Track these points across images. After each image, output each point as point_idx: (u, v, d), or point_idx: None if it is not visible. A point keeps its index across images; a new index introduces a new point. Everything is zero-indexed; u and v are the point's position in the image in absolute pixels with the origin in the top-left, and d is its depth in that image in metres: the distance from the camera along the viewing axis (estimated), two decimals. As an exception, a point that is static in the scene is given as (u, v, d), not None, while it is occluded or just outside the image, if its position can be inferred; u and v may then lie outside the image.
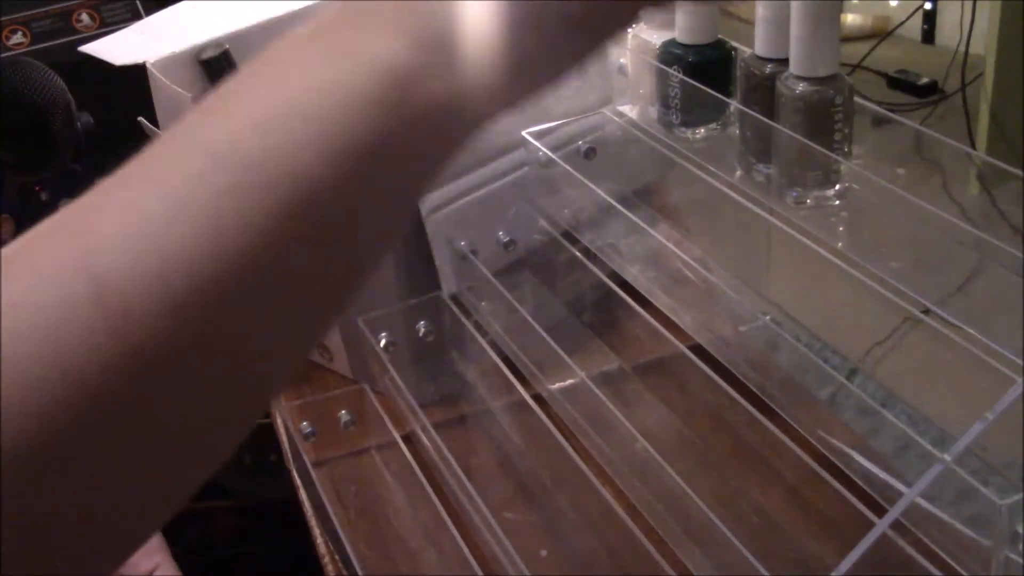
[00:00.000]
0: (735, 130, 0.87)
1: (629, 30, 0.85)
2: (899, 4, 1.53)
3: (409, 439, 0.82)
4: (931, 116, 1.49)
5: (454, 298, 0.87)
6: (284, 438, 0.86)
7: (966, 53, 1.47)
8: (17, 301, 0.26)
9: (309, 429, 0.86)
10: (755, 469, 0.74)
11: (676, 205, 0.92)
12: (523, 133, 0.86)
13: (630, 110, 0.91)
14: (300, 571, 0.91)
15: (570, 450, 0.70)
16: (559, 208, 0.88)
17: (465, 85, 0.30)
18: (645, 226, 0.80)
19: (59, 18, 2.04)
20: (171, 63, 1.01)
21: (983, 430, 0.50)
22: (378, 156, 0.29)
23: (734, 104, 0.86)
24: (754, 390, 0.71)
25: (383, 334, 0.86)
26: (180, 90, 0.95)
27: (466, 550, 0.68)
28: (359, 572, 0.73)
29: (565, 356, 0.74)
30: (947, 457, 0.51)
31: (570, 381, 0.76)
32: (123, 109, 0.99)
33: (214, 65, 1.04)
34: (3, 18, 1.99)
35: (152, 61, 0.98)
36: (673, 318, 0.79)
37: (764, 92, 0.81)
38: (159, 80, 0.96)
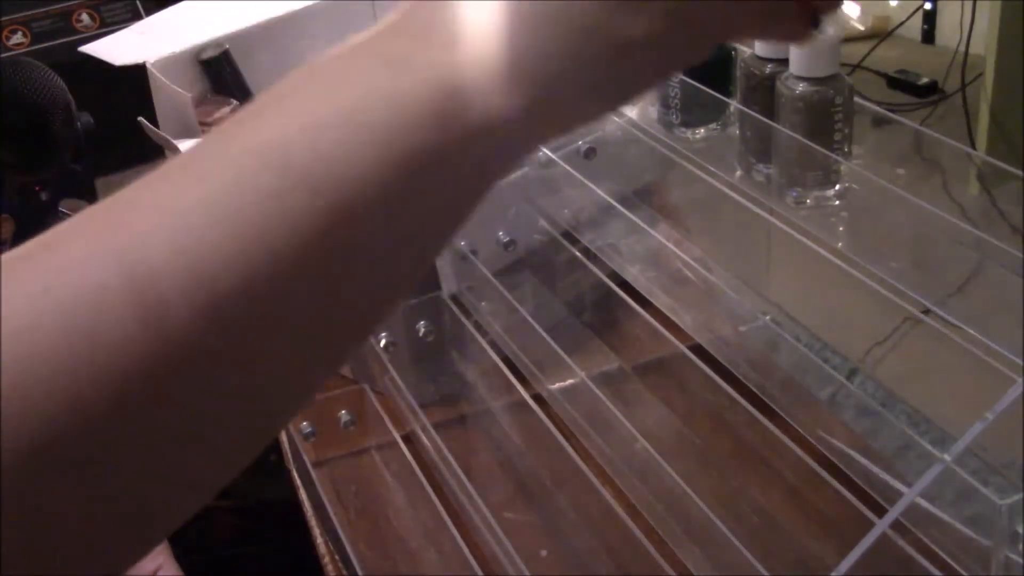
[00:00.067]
0: (735, 130, 0.87)
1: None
2: (899, 4, 1.53)
3: (409, 439, 0.82)
4: (931, 116, 1.49)
5: (454, 298, 0.87)
6: (284, 438, 0.86)
7: (966, 53, 1.47)
8: (51, 286, 0.26)
9: (309, 429, 0.86)
10: (755, 469, 0.74)
11: (676, 205, 0.92)
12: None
13: (630, 110, 0.91)
14: (300, 571, 0.91)
15: (570, 450, 0.70)
16: (559, 208, 0.88)
17: (522, 105, 0.29)
18: (645, 226, 0.80)
19: (59, 18, 2.04)
20: (171, 63, 1.01)
21: (983, 430, 0.50)
22: (428, 170, 0.28)
23: (734, 104, 0.86)
24: (754, 390, 0.71)
25: (383, 334, 0.86)
26: (180, 90, 0.95)
27: (466, 550, 0.68)
28: (359, 572, 0.73)
29: (565, 356, 0.74)
30: (947, 457, 0.51)
31: (570, 381, 0.76)
32: (123, 109, 0.99)
33: (214, 65, 1.04)
34: (3, 18, 1.99)
35: (152, 61, 0.98)
36: (673, 318, 0.79)
37: (764, 92, 0.81)
38: (159, 80, 0.96)
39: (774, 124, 0.79)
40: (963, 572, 0.55)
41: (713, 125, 0.90)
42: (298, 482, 0.84)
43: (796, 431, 0.68)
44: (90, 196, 1.11)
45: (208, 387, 0.27)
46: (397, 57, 0.29)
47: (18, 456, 0.25)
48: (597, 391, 0.70)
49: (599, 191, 0.82)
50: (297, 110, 0.29)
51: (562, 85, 0.30)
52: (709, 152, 0.85)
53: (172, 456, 0.27)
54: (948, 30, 1.63)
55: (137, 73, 0.98)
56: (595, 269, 0.83)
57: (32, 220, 1.04)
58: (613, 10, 0.30)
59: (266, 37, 1.08)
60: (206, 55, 1.04)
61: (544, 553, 0.74)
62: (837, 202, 0.79)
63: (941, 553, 0.56)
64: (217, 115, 1.02)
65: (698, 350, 0.75)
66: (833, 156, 0.77)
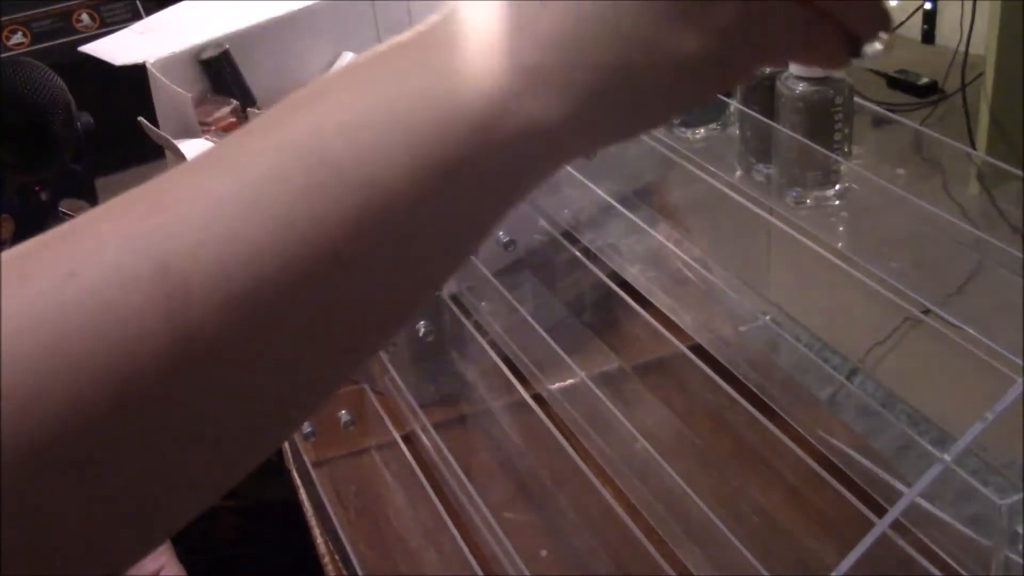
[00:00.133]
0: (735, 130, 0.87)
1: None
2: (899, 4, 1.53)
3: (409, 439, 0.82)
4: (931, 116, 1.49)
5: (454, 298, 0.87)
6: (284, 438, 0.86)
7: (966, 53, 1.47)
8: (77, 270, 0.25)
9: (309, 429, 0.86)
10: (755, 469, 0.74)
11: (676, 205, 0.92)
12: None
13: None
14: (300, 571, 0.91)
15: (570, 450, 0.70)
16: (559, 208, 0.88)
17: (562, 115, 0.29)
18: (645, 226, 0.80)
19: (59, 18, 2.04)
20: (171, 63, 1.01)
21: (983, 430, 0.50)
22: (462, 175, 0.28)
23: (734, 104, 0.86)
24: (754, 390, 0.71)
25: (383, 334, 0.86)
26: (180, 90, 0.95)
27: (466, 550, 0.68)
28: (359, 572, 0.73)
29: (565, 356, 0.74)
30: (947, 457, 0.51)
31: (570, 381, 0.76)
32: (123, 109, 0.99)
33: (214, 65, 1.04)
34: (3, 18, 1.99)
35: (152, 61, 0.98)
36: (673, 318, 0.79)
37: (764, 92, 0.81)
38: (159, 80, 0.96)
39: (774, 124, 0.79)
40: (963, 572, 0.55)
41: (713, 125, 0.90)
42: (298, 482, 0.84)
43: (796, 431, 0.68)
44: (90, 196, 1.10)
45: (224, 383, 0.27)
46: (438, 60, 0.29)
47: (19, 453, 0.24)
48: (597, 391, 0.70)
49: (599, 191, 0.82)
50: (334, 108, 0.28)
51: (606, 98, 0.30)
52: (709, 152, 0.85)
53: (177, 454, 0.27)
54: (948, 30, 1.63)
55: (137, 73, 0.98)
56: (595, 269, 0.83)
57: (32, 220, 1.04)
58: (665, 25, 0.30)
59: (266, 37, 1.08)
60: (206, 55, 1.04)
61: (544, 553, 0.74)
62: (837, 202, 0.79)
63: (941, 553, 0.56)
64: (217, 115, 1.02)
65: (698, 350, 0.75)
66: (833, 156, 0.77)
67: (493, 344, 0.83)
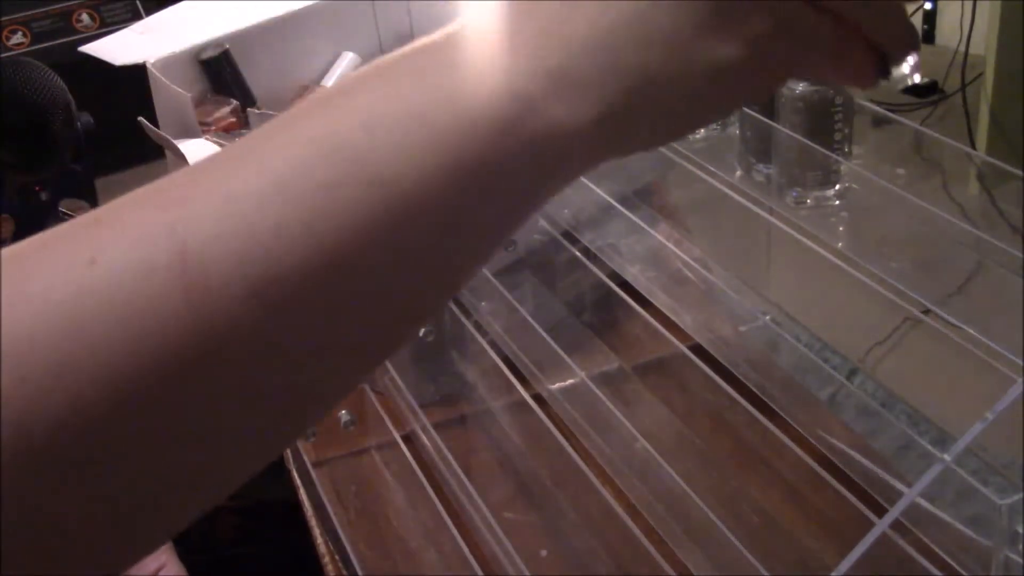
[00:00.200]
0: (735, 130, 0.87)
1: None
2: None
3: (409, 439, 0.82)
4: (931, 116, 1.49)
5: (454, 298, 0.87)
6: (284, 438, 0.86)
7: (966, 53, 1.47)
8: (96, 258, 0.26)
9: (309, 429, 0.86)
10: (755, 469, 0.74)
11: (676, 205, 0.92)
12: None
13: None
14: (300, 571, 0.91)
15: (570, 450, 0.70)
16: (559, 208, 0.88)
17: (588, 119, 0.29)
18: (645, 226, 0.80)
19: (59, 18, 2.05)
20: (171, 63, 1.01)
21: (983, 430, 0.50)
22: (486, 174, 0.28)
23: (734, 104, 0.86)
24: (754, 390, 0.71)
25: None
26: (180, 90, 0.95)
27: (466, 550, 0.68)
28: (359, 572, 0.73)
29: (565, 356, 0.74)
30: (947, 457, 0.51)
31: (570, 381, 0.76)
32: (123, 109, 0.99)
33: (214, 65, 1.04)
34: (3, 18, 1.99)
35: (152, 61, 0.98)
36: (673, 318, 0.79)
37: (764, 92, 0.81)
38: (159, 80, 0.96)
39: (774, 124, 0.79)
40: (963, 572, 0.55)
41: (713, 125, 0.90)
42: (298, 482, 0.84)
43: (796, 431, 0.69)
44: (90, 196, 1.11)
45: (237, 378, 0.26)
46: (462, 60, 0.29)
47: (35, 436, 0.24)
48: (597, 391, 0.70)
49: (599, 191, 0.82)
50: (360, 105, 0.28)
51: (634, 103, 0.29)
52: (709, 152, 0.85)
53: (184, 449, 0.27)
54: (948, 30, 1.63)
55: (137, 73, 0.98)
56: (595, 269, 0.84)
57: (32, 220, 1.04)
58: (699, 33, 0.29)
59: (266, 37, 1.08)
60: (206, 55, 1.04)
61: (544, 553, 0.74)
62: (837, 202, 0.79)
63: (941, 553, 0.56)
64: (217, 115, 1.02)
65: (698, 350, 0.75)
66: (833, 156, 0.77)
67: (493, 344, 0.83)
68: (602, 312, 0.89)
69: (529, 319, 0.78)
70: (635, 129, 0.30)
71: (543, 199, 0.31)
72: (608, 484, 0.69)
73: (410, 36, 1.17)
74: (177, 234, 0.26)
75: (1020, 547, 0.52)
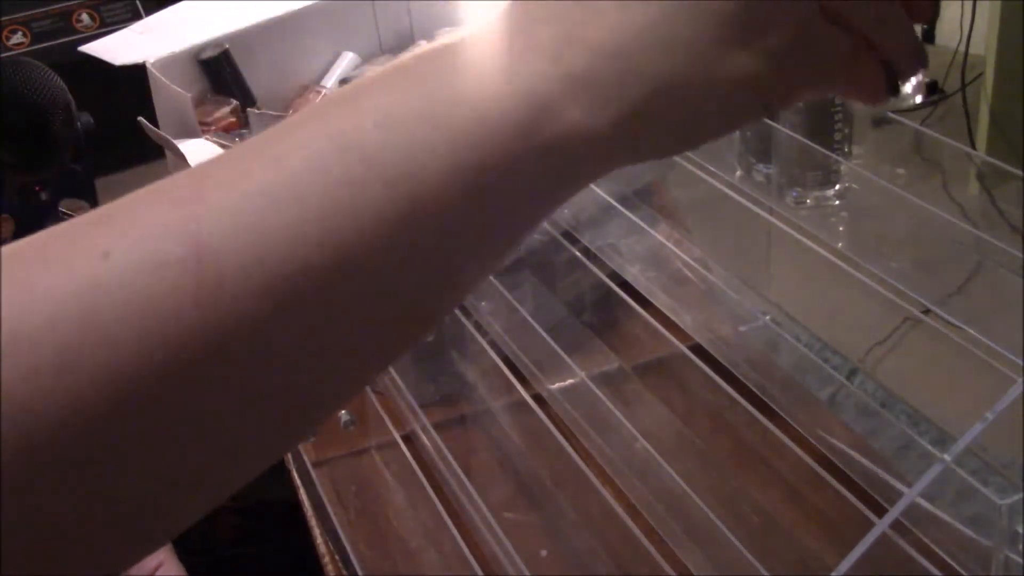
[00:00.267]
0: (735, 130, 0.87)
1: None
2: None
3: (409, 439, 0.82)
4: (931, 116, 1.49)
5: (454, 298, 0.87)
6: (284, 438, 0.86)
7: (966, 53, 1.47)
8: (110, 252, 0.26)
9: (312, 432, 0.86)
10: (755, 469, 0.74)
11: (676, 205, 0.92)
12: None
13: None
14: (300, 571, 0.91)
15: (570, 450, 0.70)
16: (559, 208, 0.88)
17: (605, 124, 0.29)
18: (645, 226, 0.80)
19: (59, 18, 2.05)
20: (171, 63, 1.01)
21: (983, 430, 0.50)
22: (502, 176, 0.28)
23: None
24: (754, 390, 0.71)
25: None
26: (180, 90, 0.95)
27: (466, 550, 0.68)
28: (359, 572, 0.73)
29: (565, 356, 0.74)
30: (947, 457, 0.51)
31: (570, 381, 0.76)
32: (123, 109, 0.99)
33: (214, 65, 1.04)
34: (3, 18, 1.99)
35: (152, 61, 0.98)
36: (673, 318, 0.79)
37: (764, 92, 0.81)
38: (159, 80, 0.96)
39: (774, 124, 0.79)
40: (963, 572, 0.55)
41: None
42: (298, 482, 0.84)
43: (796, 431, 0.69)
44: (90, 196, 1.11)
45: (249, 374, 0.26)
46: (483, 62, 0.29)
47: (47, 427, 0.24)
48: (597, 391, 0.70)
49: (599, 191, 0.82)
50: (378, 104, 0.29)
51: (652, 110, 0.30)
52: (709, 152, 0.85)
53: (190, 446, 0.27)
54: (948, 30, 1.63)
55: (137, 73, 0.98)
56: (595, 269, 0.84)
57: (32, 220, 1.04)
58: (721, 43, 0.30)
59: (266, 37, 1.08)
60: (206, 55, 1.04)
61: (544, 553, 0.74)
62: (837, 202, 0.79)
63: (941, 553, 0.56)
64: (217, 115, 1.02)
65: (698, 350, 0.75)
66: (833, 156, 0.77)
67: (493, 344, 0.83)
68: (602, 312, 0.89)
69: (529, 319, 0.78)
70: (649, 136, 0.30)
71: (556, 203, 0.31)
72: (608, 484, 0.69)
73: (410, 36, 1.17)
74: (191, 229, 0.26)
75: (1020, 547, 0.52)
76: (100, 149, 1.07)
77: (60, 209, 1.07)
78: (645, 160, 0.32)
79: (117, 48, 1.02)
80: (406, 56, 0.30)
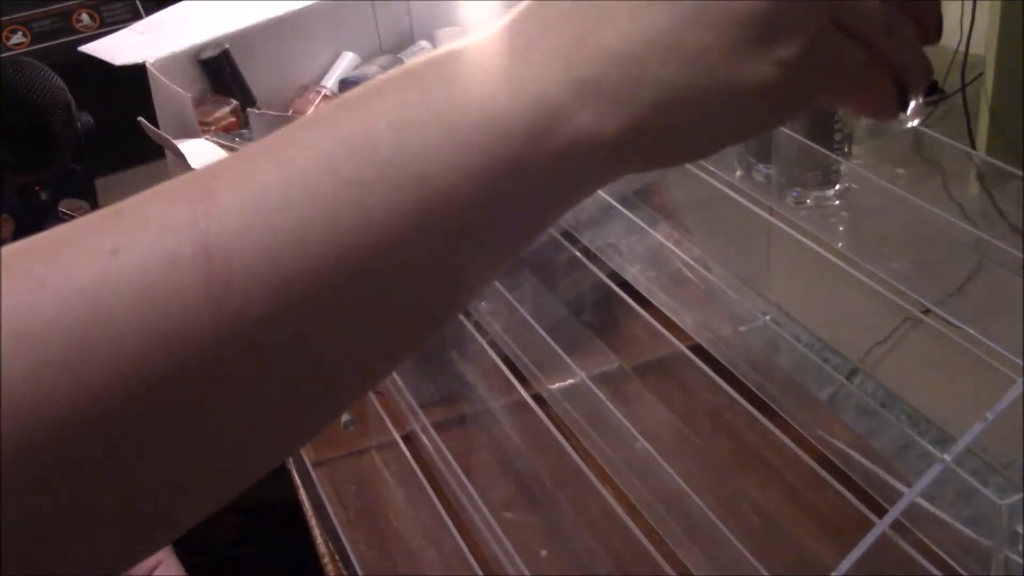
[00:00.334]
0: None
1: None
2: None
3: (409, 439, 0.82)
4: (931, 116, 1.49)
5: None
6: (284, 438, 0.86)
7: (966, 53, 1.47)
8: (120, 249, 0.26)
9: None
10: (755, 469, 0.74)
11: (676, 205, 0.92)
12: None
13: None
14: (300, 571, 0.91)
15: (570, 450, 0.70)
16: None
17: (616, 130, 0.29)
18: (645, 226, 0.80)
19: (59, 18, 2.05)
20: (171, 63, 1.01)
21: (983, 430, 0.50)
22: (511, 180, 0.28)
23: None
24: (754, 390, 0.71)
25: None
26: (180, 90, 0.95)
27: (466, 550, 0.68)
28: (359, 572, 0.73)
29: (565, 356, 0.74)
30: (947, 457, 0.51)
31: (570, 381, 0.76)
32: (123, 109, 0.99)
33: (214, 65, 1.04)
34: (3, 18, 1.99)
35: (152, 61, 0.98)
36: (673, 318, 0.79)
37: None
38: (159, 80, 0.96)
39: (774, 124, 0.78)
40: (963, 572, 0.55)
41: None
42: (298, 482, 0.84)
43: (796, 431, 0.69)
44: (90, 196, 1.11)
45: (252, 373, 0.26)
46: (496, 66, 0.29)
47: (54, 423, 0.24)
48: (597, 391, 0.70)
49: (599, 191, 0.82)
50: (388, 107, 0.29)
51: (663, 118, 0.30)
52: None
53: (196, 445, 0.26)
54: (948, 30, 1.63)
55: (137, 73, 0.98)
56: (595, 269, 0.84)
57: (32, 220, 1.04)
58: (733, 52, 0.30)
59: (266, 37, 1.08)
60: (206, 55, 1.04)
61: (544, 553, 0.74)
62: (837, 202, 0.79)
63: (941, 553, 0.56)
64: (217, 115, 1.02)
65: (698, 350, 0.75)
66: (833, 156, 0.77)
67: (493, 344, 0.83)
68: (602, 312, 0.89)
69: (529, 319, 0.78)
70: (660, 143, 0.30)
71: (564, 208, 0.31)
72: (608, 484, 0.69)
73: (410, 36, 1.17)
74: (201, 227, 0.26)
75: (1020, 547, 0.52)
76: (100, 149, 1.07)
77: (60, 209, 1.07)
78: (656, 168, 0.32)
79: (117, 48, 1.02)
80: (416, 60, 0.30)
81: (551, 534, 0.75)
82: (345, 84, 1.10)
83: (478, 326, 0.84)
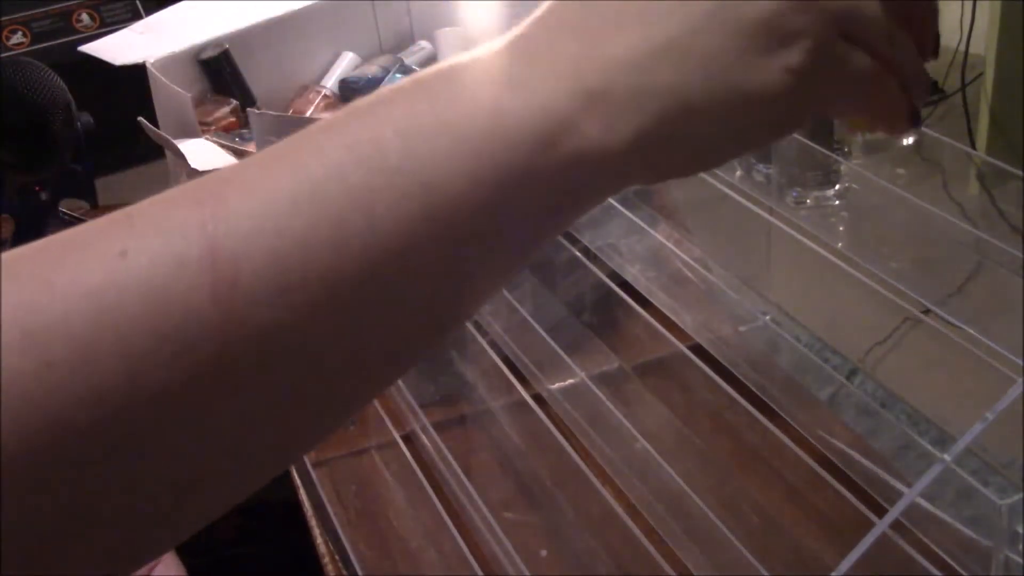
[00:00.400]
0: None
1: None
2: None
3: (409, 439, 0.82)
4: (931, 116, 1.49)
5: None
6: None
7: (966, 53, 1.47)
8: (127, 250, 0.26)
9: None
10: (755, 469, 0.74)
11: (676, 205, 0.92)
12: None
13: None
14: (300, 571, 0.91)
15: (570, 450, 0.70)
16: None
17: (624, 139, 0.29)
18: (645, 226, 0.80)
19: (59, 18, 2.05)
20: (171, 63, 1.01)
21: (983, 430, 0.50)
22: (519, 189, 0.29)
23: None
24: (754, 390, 0.71)
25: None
26: (180, 90, 0.95)
27: (466, 550, 0.68)
28: (359, 572, 0.73)
29: (565, 356, 0.74)
30: (947, 457, 0.51)
31: (570, 381, 0.76)
32: (123, 109, 0.99)
33: (214, 65, 1.04)
34: (3, 18, 1.99)
35: (152, 61, 0.98)
36: (673, 318, 0.79)
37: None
38: (159, 80, 0.96)
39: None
40: (963, 572, 0.55)
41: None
42: (298, 482, 0.84)
43: (796, 431, 0.69)
44: (90, 196, 1.11)
45: (258, 378, 0.26)
46: (506, 76, 0.30)
47: (59, 424, 0.24)
48: (597, 391, 0.70)
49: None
50: (397, 115, 0.29)
51: (671, 128, 0.30)
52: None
53: (201, 445, 0.26)
54: (948, 30, 1.63)
55: (137, 73, 0.98)
56: (595, 269, 0.84)
57: (32, 220, 1.04)
58: (740, 61, 0.30)
59: (266, 37, 1.08)
60: (206, 55, 1.04)
61: (544, 553, 0.74)
62: (837, 202, 0.79)
63: (941, 553, 0.56)
64: (217, 115, 1.02)
65: (698, 350, 0.75)
66: (833, 156, 0.77)
67: (493, 344, 0.83)
68: (602, 312, 0.89)
69: (529, 319, 0.78)
70: (667, 153, 0.31)
71: (572, 218, 0.31)
72: (608, 484, 0.69)
73: (410, 36, 1.17)
74: (209, 230, 0.26)
75: (1020, 547, 0.52)
76: (100, 149, 1.07)
77: (60, 209, 1.07)
78: (663, 179, 0.32)
79: (117, 48, 1.03)
80: (425, 70, 0.31)
81: (551, 534, 0.75)
82: (345, 84, 1.10)
83: (478, 326, 0.84)
